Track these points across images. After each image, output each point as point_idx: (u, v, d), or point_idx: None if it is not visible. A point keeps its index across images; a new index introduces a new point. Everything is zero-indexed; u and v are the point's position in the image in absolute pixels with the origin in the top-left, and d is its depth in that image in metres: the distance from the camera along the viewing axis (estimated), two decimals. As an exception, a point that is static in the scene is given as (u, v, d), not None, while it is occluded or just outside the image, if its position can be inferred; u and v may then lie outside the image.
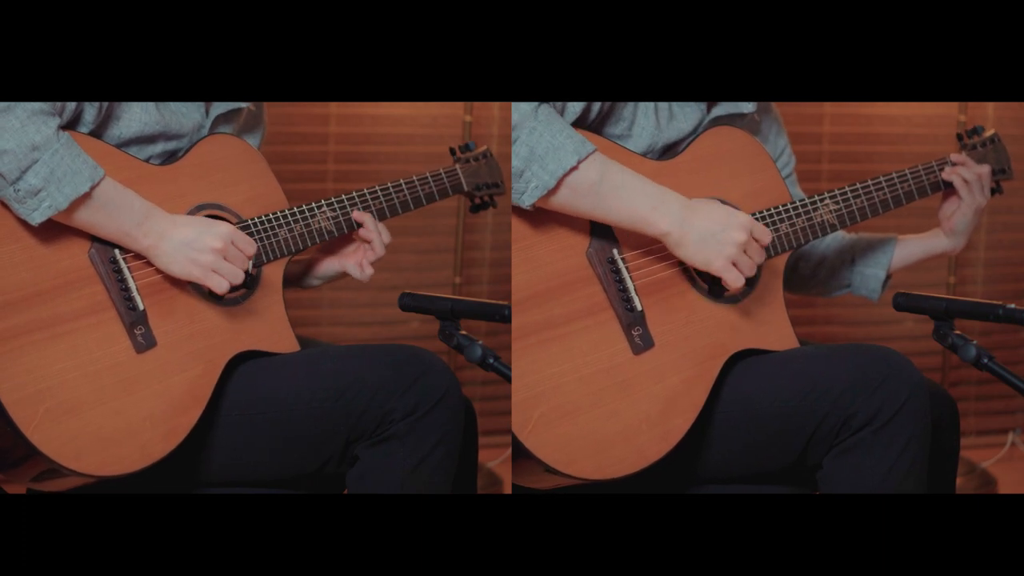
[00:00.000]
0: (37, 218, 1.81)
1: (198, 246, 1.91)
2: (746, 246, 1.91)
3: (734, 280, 1.92)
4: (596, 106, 1.95)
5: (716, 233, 1.90)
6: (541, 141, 1.84)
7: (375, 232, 2.14)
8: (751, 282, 2.02)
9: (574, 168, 1.85)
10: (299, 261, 2.24)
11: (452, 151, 2.34)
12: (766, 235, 1.94)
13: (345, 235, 2.16)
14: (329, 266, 2.20)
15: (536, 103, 1.85)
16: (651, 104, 2.01)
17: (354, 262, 2.17)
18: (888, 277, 2.30)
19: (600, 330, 1.92)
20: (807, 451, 1.96)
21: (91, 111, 1.91)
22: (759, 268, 2.01)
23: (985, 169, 2.21)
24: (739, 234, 1.90)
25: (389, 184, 2.20)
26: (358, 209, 2.15)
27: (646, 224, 1.89)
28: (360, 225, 2.14)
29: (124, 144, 1.96)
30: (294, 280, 2.24)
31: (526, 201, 1.86)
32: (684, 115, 2.05)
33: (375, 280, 3.38)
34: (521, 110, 1.84)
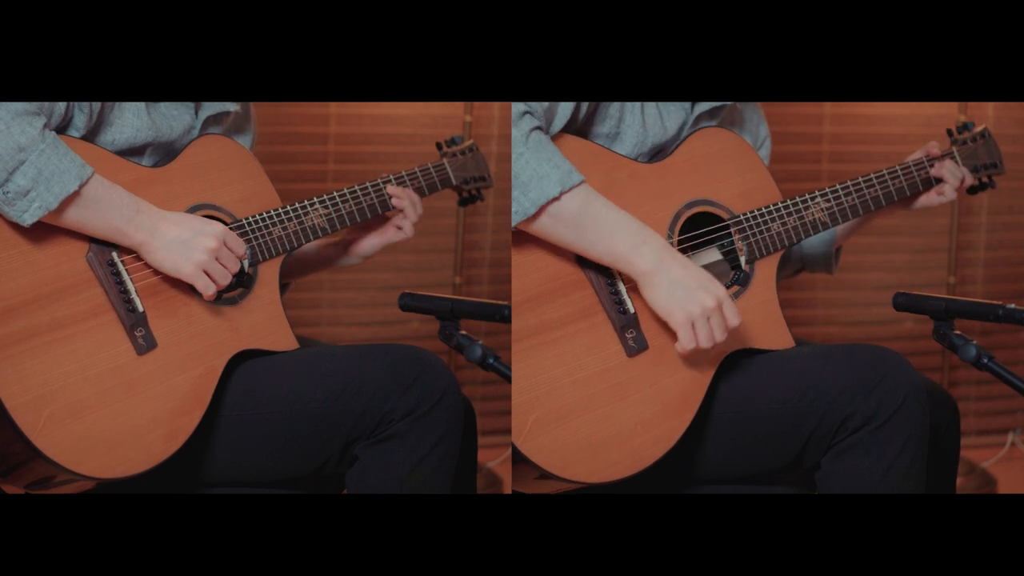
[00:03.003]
0: (28, 219, 1.81)
1: (193, 244, 1.92)
2: (711, 313, 1.89)
3: (690, 341, 1.89)
4: (584, 105, 1.95)
5: (690, 289, 1.88)
6: (526, 168, 1.84)
7: (405, 198, 2.23)
8: (743, 282, 2.02)
9: (555, 199, 1.85)
10: (333, 244, 2.30)
11: (439, 145, 2.36)
12: (736, 318, 1.91)
13: (378, 214, 2.23)
14: (370, 243, 2.29)
15: (528, 129, 1.84)
16: (638, 102, 2.01)
17: (392, 229, 2.27)
18: (839, 249, 2.30)
19: (593, 333, 1.92)
20: (805, 451, 1.96)
21: (81, 116, 1.90)
22: (752, 266, 2.02)
23: (964, 171, 2.23)
24: (709, 299, 1.88)
25: (379, 180, 2.21)
26: (349, 205, 2.16)
27: (625, 262, 1.89)
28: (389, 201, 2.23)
29: (116, 150, 1.96)
30: (323, 263, 2.32)
31: (512, 223, 1.87)
32: (669, 112, 2.05)
33: (375, 280, 3.42)
34: (514, 136, 1.84)
